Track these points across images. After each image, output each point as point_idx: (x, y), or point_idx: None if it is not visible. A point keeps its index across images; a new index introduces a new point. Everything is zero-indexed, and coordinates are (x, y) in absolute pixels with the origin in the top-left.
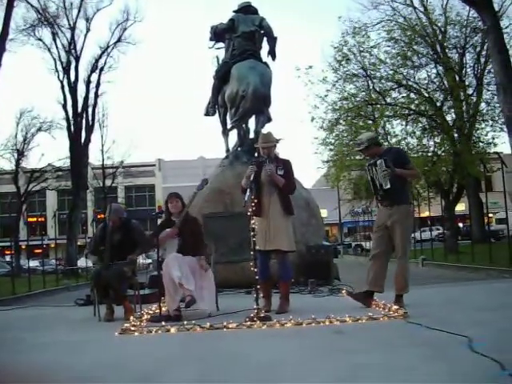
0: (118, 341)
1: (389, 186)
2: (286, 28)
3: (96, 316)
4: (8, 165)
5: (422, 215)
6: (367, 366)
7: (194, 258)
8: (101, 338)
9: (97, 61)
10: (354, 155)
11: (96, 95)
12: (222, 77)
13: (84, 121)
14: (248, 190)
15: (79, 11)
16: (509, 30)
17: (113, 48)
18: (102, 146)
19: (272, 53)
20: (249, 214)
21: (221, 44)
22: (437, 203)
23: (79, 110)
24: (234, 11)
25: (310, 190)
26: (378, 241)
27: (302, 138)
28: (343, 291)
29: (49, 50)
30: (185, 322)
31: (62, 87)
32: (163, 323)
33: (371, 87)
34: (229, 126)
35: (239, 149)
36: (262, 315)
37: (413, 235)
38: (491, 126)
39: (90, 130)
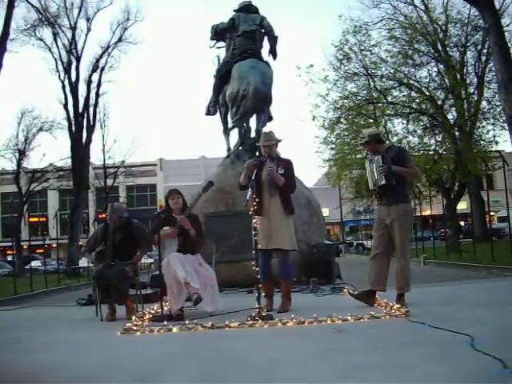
0: (120, 340)
1: (384, 183)
2: (286, 27)
3: (98, 316)
4: (9, 165)
5: (424, 214)
6: (369, 364)
7: (194, 257)
8: (103, 338)
9: (98, 60)
10: (355, 154)
11: (97, 95)
12: (222, 76)
13: (85, 120)
14: (249, 189)
15: (80, 11)
16: (510, 28)
17: (114, 48)
18: (104, 145)
19: (273, 52)
20: (250, 213)
21: (222, 43)
22: (438, 202)
23: (80, 109)
24: (235, 10)
25: (311, 188)
26: (379, 240)
27: (303, 137)
28: (345, 290)
29: (50, 49)
30: (187, 322)
31: (63, 87)
32: (165, 323)
33: (372, 86)
34: (230, 126)
35: (240, 148)
36: (264, 314)
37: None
38: (492, 124)
39: (91, 129)
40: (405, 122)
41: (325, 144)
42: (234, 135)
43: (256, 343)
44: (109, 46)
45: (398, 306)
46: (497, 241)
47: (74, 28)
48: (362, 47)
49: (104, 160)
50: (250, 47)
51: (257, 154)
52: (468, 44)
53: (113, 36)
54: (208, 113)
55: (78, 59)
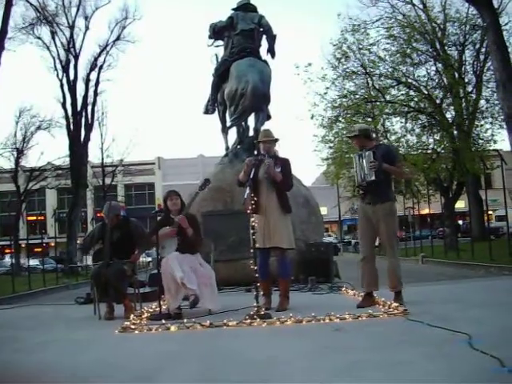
0: (118, 339)
1: (373, 178)
2: (285, 26)
3: (96, 314)
4: (7, 163)
5: (422, 212)
6: (367, 363)
7: (193, 256)
8: (101, 337)
9: (96, 59)
10: (353, 152)
11: (95, 93)
12: (221, 75)
13: (83, 119)
14: (247, 188)
15: (78, 9)
16: (508, 27)
17: (112, 46)
18: (102, 144)
19: (271, 51)
20: (248, 211)
21: (220, 42)
22: (436, 200)
23: (78, 108)
24: (233, 9)
25: (309, 187)
26: (366, 240)
27: (301, 136)
28: (343, 289)
29: (48, 48)
30: (185, 320)
31: (61, 86)
32: (163, 321)
33: (370, 85)
34: (228, 124)
35: (239, 147)
36: (262, 313)
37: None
38: (491, 123)
39: (89, 128)
40: (403, 120)
41: (323, 143)
42: (233, 134)
43: (254, 342)
44: (107, 45)
45: (396, 304)
46: (495, 240)
47: (72, 26)
48: (361, 46)
49: (102, 159)
50: (248, 46)
51: (255, 152)
52: (466, 43)
53: (111, 34)
54: (206, 111)
55: (76, 58)
